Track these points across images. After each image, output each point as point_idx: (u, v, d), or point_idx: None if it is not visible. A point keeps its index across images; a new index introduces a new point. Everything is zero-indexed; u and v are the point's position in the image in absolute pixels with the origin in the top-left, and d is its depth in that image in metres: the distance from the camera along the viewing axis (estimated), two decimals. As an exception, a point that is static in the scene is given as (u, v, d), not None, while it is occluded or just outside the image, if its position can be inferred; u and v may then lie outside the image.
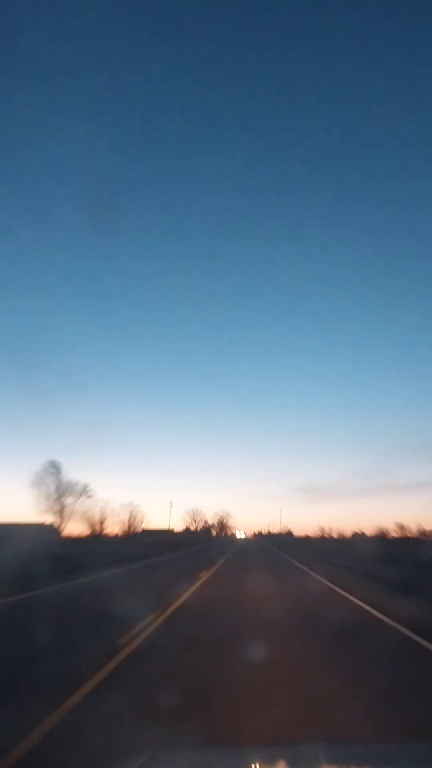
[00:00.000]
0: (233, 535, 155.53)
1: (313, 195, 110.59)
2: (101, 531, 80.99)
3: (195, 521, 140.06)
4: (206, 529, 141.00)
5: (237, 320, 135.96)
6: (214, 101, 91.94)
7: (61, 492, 69.41)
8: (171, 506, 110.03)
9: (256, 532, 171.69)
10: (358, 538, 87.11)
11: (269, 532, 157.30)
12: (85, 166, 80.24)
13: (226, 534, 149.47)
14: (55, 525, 70.07)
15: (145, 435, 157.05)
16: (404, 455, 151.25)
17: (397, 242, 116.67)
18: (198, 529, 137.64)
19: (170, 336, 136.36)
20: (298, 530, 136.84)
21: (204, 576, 20.56)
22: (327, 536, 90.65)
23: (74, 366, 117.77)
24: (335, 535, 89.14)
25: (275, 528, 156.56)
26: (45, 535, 61.08)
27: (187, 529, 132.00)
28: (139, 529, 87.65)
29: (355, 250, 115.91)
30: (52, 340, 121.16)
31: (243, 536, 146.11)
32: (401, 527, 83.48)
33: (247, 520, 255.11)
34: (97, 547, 46.94)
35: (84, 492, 71.08)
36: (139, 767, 2.44)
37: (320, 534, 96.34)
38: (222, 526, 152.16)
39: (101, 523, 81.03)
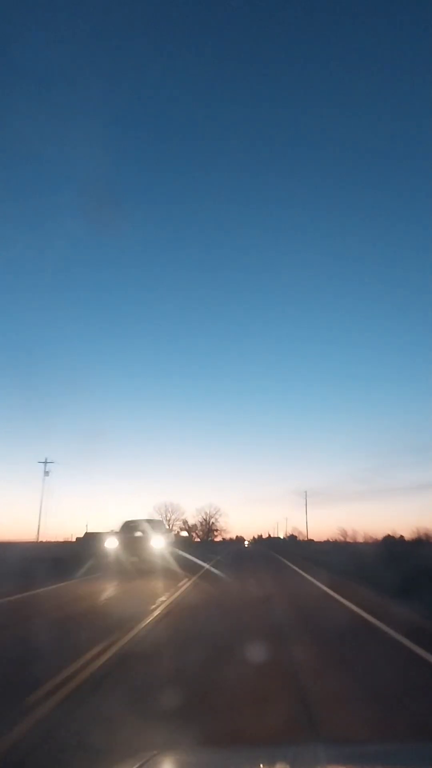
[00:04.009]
0: (230, 541, 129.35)
1: (316, 200, 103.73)
2: None
3: (169, 522, 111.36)
4: (187, 533, 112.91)
5: (237, 324, 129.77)
6: (215, 108, 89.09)
7: None
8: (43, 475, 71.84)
9: (256, 536, 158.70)
10: (393, 540, 63.59)
11: (269, 536, 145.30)
12: (84, 172, 79.88)
13: (220, 539, 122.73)
14: None
15: (143, 439, 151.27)
16: (404, 458, 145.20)
17: (397, 250, 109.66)
18: (171, 532, 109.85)
19: (170, 341, 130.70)
20: (300, 534, 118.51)
21: None
22: (351, 540, 65.67)
23: (74, 369, 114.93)
24: (360, 539, 64.54)
25: (275, 532, 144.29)
26: None
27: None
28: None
29: (356, 257, 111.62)
30: (51, 345, 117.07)
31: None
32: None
33: (246, 524, 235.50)
34: None
35: None
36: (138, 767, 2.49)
37: (342, 538, 71.10)
38: (209, 528, 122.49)
39: None
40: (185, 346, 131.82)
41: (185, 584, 16.18)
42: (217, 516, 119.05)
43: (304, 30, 78.79)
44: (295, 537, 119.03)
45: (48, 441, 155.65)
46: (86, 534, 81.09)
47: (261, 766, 2.81)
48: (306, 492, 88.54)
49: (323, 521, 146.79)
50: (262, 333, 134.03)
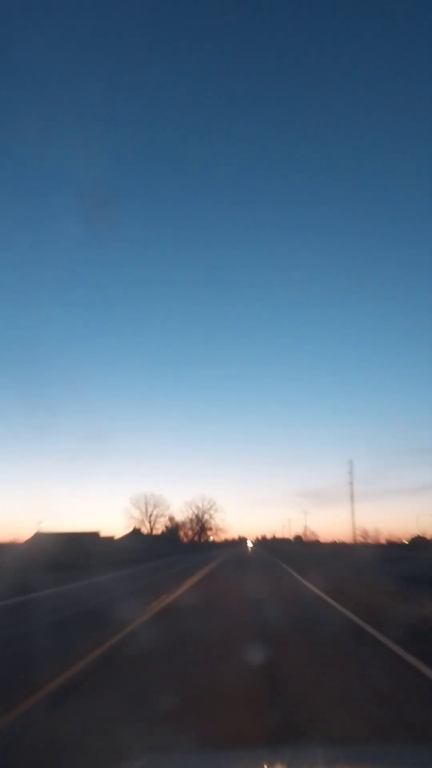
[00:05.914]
0: (231, 542, 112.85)
1: (313, 199, 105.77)
2: None
3: (149, 518, 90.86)
4: (172, 530, 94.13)
5: (237, 324, 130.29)
6: (213, 108, 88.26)
7: None
8: None
9: (260, 537, 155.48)
10: (426, 542, 60.19)
11: (275, 538, 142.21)
12: (84, 173, 76.11)
13: (222, 539, 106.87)
14: None
15: (142, 441, 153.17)
16: (406, 459, 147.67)
17: (399, 251, 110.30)
18: (153, 531, 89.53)
19: (169, 342, 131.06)
20: (312, 535, 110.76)
21: None
22: (372, 542, 51.96)
23: (73, 371, 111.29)
24: (383, 541, 51.09)
25: (281, 533, 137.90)
26: None
27: (137, 532, 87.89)
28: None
29: (357, 259, 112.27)
30: (51, 346, 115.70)
31: None
32: None
33: (250, 525, 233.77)
34: None
35: None
36: None
37: (361, 539, 57.99)
38: (202, 526, 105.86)
39: None
40: (185, 347, 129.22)
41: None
42: (211, 511, 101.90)
43: (304, 30, 77.95)
44: (301, 538, 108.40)
45: (45, 437, 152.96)
46: (37, 533, 66.23)
47: (260, 766, 2.86)
48: (352, 465, 65.47)
49: (326, 522, 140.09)
50: (263, 334, 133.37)
